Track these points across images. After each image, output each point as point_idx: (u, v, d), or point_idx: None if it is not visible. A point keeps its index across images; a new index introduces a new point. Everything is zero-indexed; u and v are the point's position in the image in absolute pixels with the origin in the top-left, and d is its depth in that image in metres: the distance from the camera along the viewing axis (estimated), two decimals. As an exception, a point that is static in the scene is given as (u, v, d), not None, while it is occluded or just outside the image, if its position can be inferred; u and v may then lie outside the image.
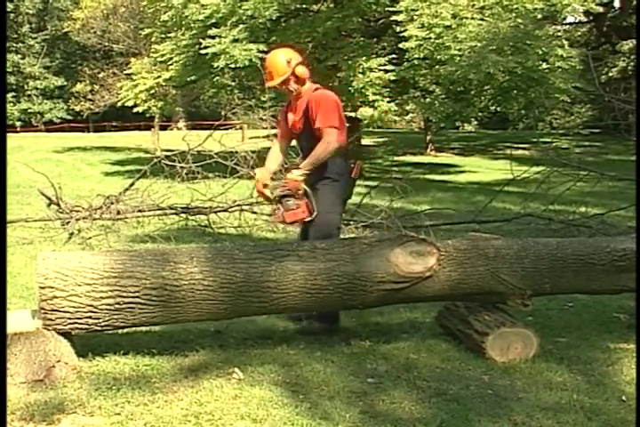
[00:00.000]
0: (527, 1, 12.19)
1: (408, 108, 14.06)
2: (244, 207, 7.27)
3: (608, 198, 9.71)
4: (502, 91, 13.57)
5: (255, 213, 7.23)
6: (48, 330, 3.04)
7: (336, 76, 13.24)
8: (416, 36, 11.98)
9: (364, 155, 15.96)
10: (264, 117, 13.10)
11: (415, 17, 12.11)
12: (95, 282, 3.05)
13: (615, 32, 23.61)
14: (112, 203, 7.25)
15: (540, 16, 12.86)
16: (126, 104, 16.90)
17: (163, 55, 14.50)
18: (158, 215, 7.38)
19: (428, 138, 23.16)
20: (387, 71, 13.02)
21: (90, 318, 3.06)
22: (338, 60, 13.21)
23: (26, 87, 38.19)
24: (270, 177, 3.96)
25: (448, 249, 3.46)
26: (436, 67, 12.54)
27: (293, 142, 4.17)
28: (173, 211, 7.29)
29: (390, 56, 13.59)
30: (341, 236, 4.19)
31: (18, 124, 36.06)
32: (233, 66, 12.52)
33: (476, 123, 34.32)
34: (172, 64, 14.21)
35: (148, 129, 26.81)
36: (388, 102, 13.05)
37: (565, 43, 14.28)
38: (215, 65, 12.61)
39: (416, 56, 12.23)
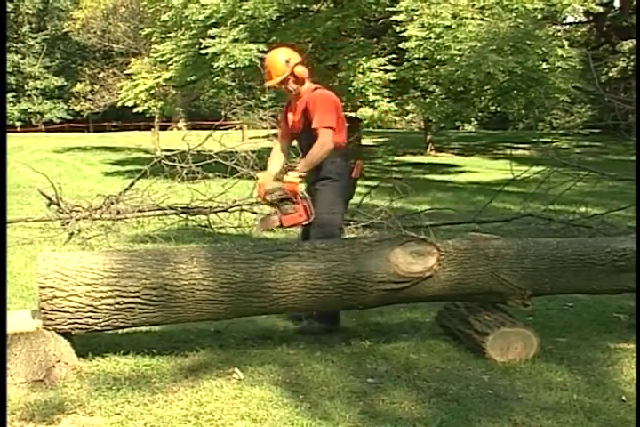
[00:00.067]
0: (527, 1, 12.19)
1: (408, 108, 14.05)
2: (243, 207, 7.27)
3: (608, 198, 9.71)
4: (502, 91, 13.57)
5: (255, 213, 7.22)
6: (48, 330, 3.04)
7: (336, 76, 13.25)
8: (416, 36, 11.98)
9: (364, 155, 15.96)
10: (264, 117, 13.10)
11: (415, 17, 12.11)
12: (95, 282, 3.05)
13: (615, 32, 23.63)
14: (112, 203, 7.25)
15: (540, 16, 12.87)
16: (126, 104, 16.91)
17: (163, 55, 14.50)
18: (158, 215, 7.38)
19: (428, 138, 23.17)
20: (387, 71, 13.03)
21: (90, 318, 3.06)
22: (338, 60, 13.22)
23: (26, 87, 38.19)
24: (273, 180, 3.95)
25: (448, 249, 3.46)
26: (436, 67, 12.54)
27: (294, 142, 4.17)
28: (173, 211, 7.29)
29: (390, 56, 13.60)
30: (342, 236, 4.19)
31: (18, 124, 36.06)
32: (233, 66, 12.53)
33: (476, 123, 34.31)
34: (172, 64, 14.22)
35: (148, 129, 26.81)
36: (388, 102, 13.05)
37: (565, 43, 14.30)
38: (215, 65, 12.61)
39: (416, 56, 12.23)
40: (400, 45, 12.62)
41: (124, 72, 21.90)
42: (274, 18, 12.64)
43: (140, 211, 7.29)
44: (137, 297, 3.09)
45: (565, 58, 12.85)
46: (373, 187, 7.56)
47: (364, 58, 13.13)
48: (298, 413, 2.76)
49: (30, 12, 38.75)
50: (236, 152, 7.53)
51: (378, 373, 3.21)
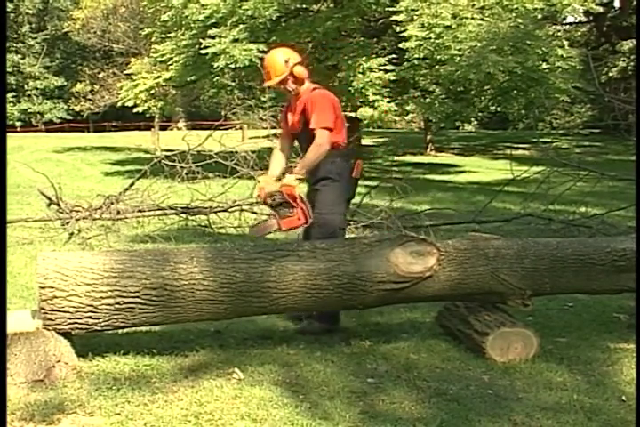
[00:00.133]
0: (527, 1, 12.20)
1: (408, 108, 14.05)
2: (243, 207, 7.26)
3: (608, 198, 9.71)
4: (502, 91, 13.58)
5: (255, 213, 7.22)
6: (48, 330, 3.04)
7: (336, 76, 13.26)
8: (416, 36, 11.99)
9: (364, 155, 15.95)
10: (264, 117, 13.07)
11: (415, 17, 12.12)
12: (95, 282, 3.05)
13: (615, 32, 23.63)
14: (112, 203, 7.24)
15: (540, 16, 12.88)
16: (126, 104, 16.92)
17: (163, 55, 14.52)
18: (158, 215, 7.38)
19: (428, 138, 23.16)
20: (387, 71, 13.04)
21: (90, 318, 3.06)
22: (338, 60, 13.23)
23: (26, 87, 38.20)
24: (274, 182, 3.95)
25: (448, 249, 3.46)
26: (436, 67, 12.55)
27: (296, 143, 4.17)
28: (173, 211, 7.28)
29: (390, 56, 13.61)
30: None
31: (18, 124, 36.07)
32: (233, 66, 12.54)
33: (476, 123, 34.32)
34: (172, 64, 14.23)
35: (148, 129, 26.81)
36: (388, 102, 13.06)
37: (565, 43, 14.31)
38: (215, 65, 12.62)
39: (416, 56, 12.24)
40: (400, 45, 12.63)
41: (124, 72, 21.92)
42: (274, 18, 12.65)
43: (140, 211, 7.28)
44: (137, 297, 3.09)
45: (565, 58, 12.86)
46: (373, 187, 7.55)
47: (363, 58, 13.14)
48: (298, 413, 2.76)
49: (30, 12, 38.76)
50: (236, 152, 7.53)
51: (378, 373, 3.21)
